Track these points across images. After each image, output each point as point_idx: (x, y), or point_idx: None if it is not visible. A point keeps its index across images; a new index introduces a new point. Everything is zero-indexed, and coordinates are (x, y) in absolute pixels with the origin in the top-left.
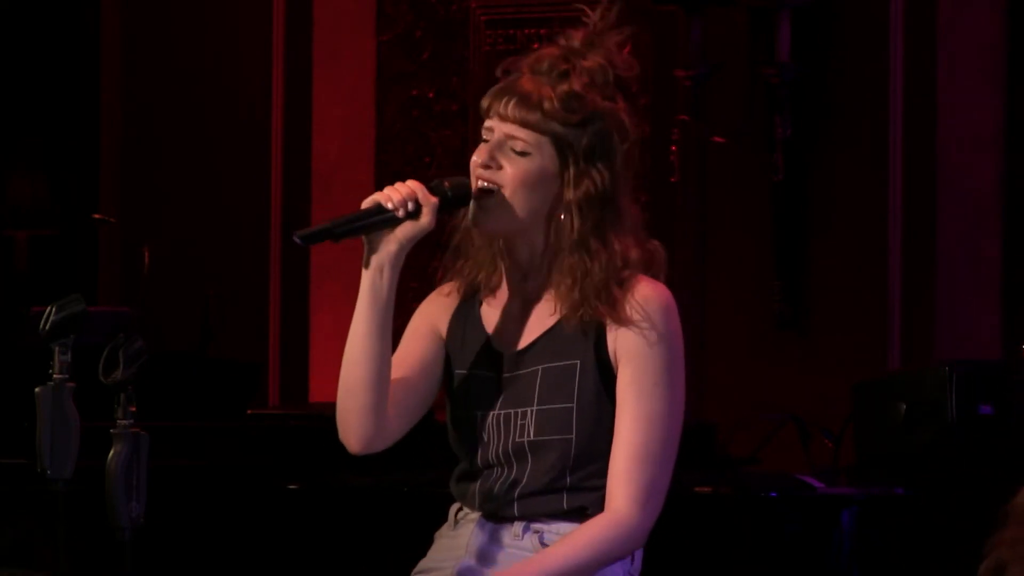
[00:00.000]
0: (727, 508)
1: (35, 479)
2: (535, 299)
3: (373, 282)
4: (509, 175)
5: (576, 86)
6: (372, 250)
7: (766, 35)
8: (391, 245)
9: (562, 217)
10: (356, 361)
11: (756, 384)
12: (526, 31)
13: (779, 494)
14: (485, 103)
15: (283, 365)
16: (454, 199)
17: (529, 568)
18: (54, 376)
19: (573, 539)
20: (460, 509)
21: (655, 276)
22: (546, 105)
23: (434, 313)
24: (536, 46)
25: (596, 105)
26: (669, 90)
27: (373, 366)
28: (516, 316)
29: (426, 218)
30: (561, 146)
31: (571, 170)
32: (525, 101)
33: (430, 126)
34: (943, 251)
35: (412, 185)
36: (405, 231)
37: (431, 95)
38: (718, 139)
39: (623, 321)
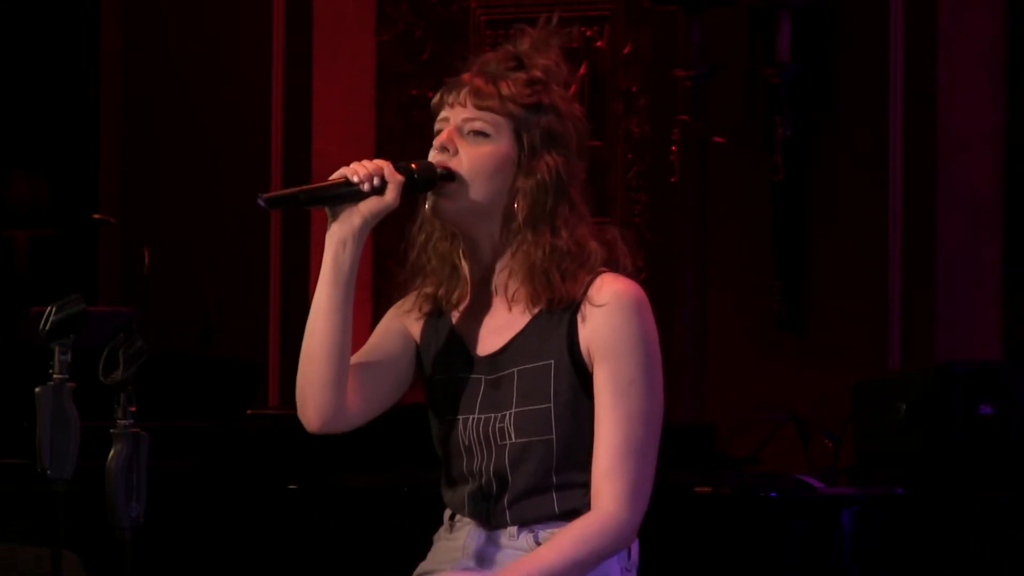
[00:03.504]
0: (727, 508)
1: (35, 479)
2: (502, 297)
3: (336, 255)
4: (467, 160)
5: (534, 73)
6: (335, 222)
7: (766, 35)
8: (355, 219)
9: (515, 205)
10: (316, 333)
11: (756, 384)
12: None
13: (779, 494)
14: (436, 99)
15: (283, 365)
16: (420, 181)
17: (517, 571)
18: (54, 376)
19: (560, 539)
20: (454, 514)
21: (620, 265)
22: (503, 88)
23: (405, 318)
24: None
25: (552, 94)
26: (669, 90)
27: (333, 339)
28: (487, 318)
29: (391, 195)
30: (518, 129)
31: (526, 155)
32: (480, 88)
33: (430, 126)
34: (943, 251)
35: (379, 162)
36: (369, 206)
37: (431, 95)
38: (718, 139)
39: (594, 319)
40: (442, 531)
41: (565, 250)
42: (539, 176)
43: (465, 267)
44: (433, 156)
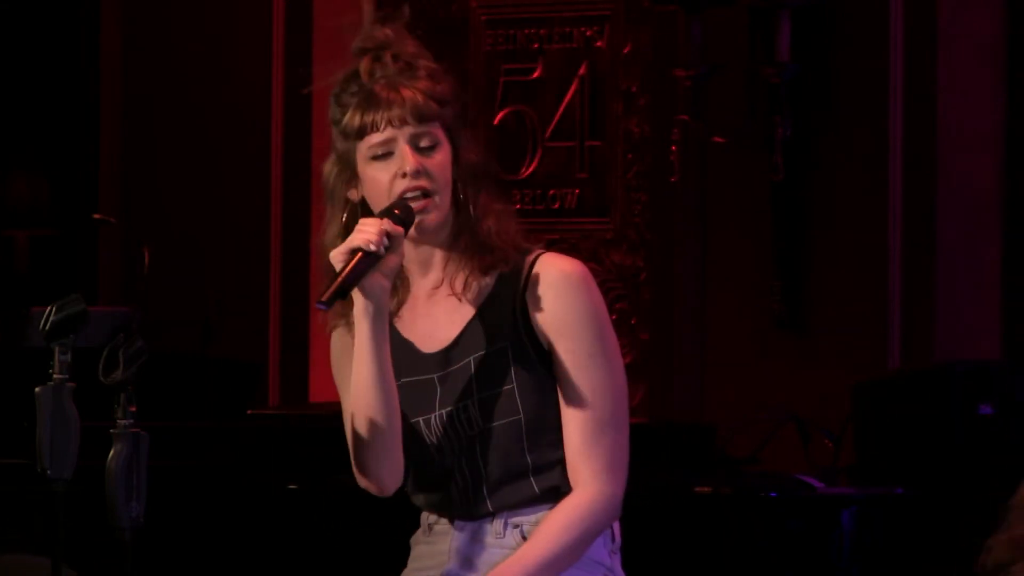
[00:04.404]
0: (727, 508)
1: (35, 479)
2: (443, 292)
3: (373, 327)
4: (433, 175)
5: (430, 64)
6: (368, 296)
7: (766, 35)
8: (384, 284)
9: (462, 196)
10: (374, 408)
11: (756, 384)
12: (526, 31)
13: (779, 494)
14: (365, 120)
15: (283, 365)
16: (409, 221)
17: (512, 567)
18: (54, 376)
19: (550, 526)
20: (431, 515)
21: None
22: (427, 91)
23: (353, 348)
24: (537, 47)
25: (442, 74)
26: (669, 90)
27: (390, 408)
28: (431, 315)
29: (401, 247)
30: (446, 125)
31: (458, 146)
32: (410, 100)
33: None
34: (943, 251)
35: (377, 222)
36: (389, 266)
37: None
38: (718, 139)
39: (545, 301)
40: (419, 534)
41: (500, 209)
42: (470, 158)
43: (404, 269)
44: (404, 183)
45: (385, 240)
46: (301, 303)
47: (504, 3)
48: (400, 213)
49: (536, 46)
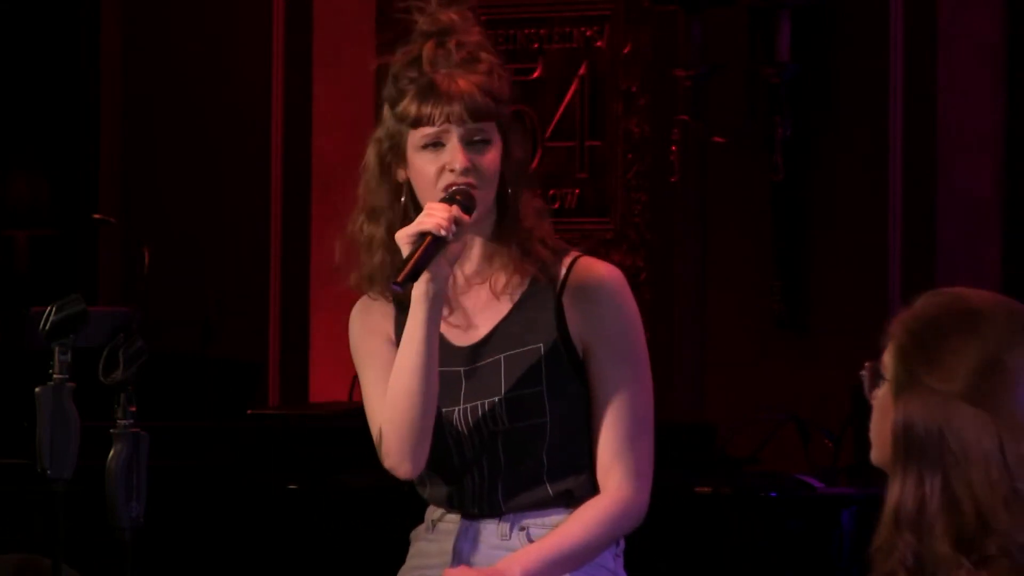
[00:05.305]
0: (727, 508)
1: (35, 479)
2: (477, 286)
3: (433, 313)
4: (481, 171)
5: (492, 58)
6: (431, 281)
7: (766, 35)
8: (448, 269)
9: (508, 191)
10: (418, 392)
11: (756, 384)
12: (526, 31)
13: (779, 494)
14: (422, 111)
15: (283, 365)
16: (471, 209)
17: (545, 547)
18: (54, 376)
19: (583, 519)
20: (437, 510)
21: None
22: (484, 87)
23: (378, 326)
24: (546, 48)
25: (501, 69)
26: (669, 90)
27: (431, 395)
28: (462, 308)
29: (464, 235)
30: (501, 123)
31: (509, 143)
32: (468, 96)
33: None
34: (943, 251)
35: (445, 207)
36: (454, 252)
37: None
38: (718, 139)
39: (586, 307)
40: (422, 530)
41: (540, 207)
42: (519, 156)
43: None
44: (450, 177)
45: (453, 226)
46: (301, 303)
47: (504, 3)
48: (462, 199)
49: (536, 46)
